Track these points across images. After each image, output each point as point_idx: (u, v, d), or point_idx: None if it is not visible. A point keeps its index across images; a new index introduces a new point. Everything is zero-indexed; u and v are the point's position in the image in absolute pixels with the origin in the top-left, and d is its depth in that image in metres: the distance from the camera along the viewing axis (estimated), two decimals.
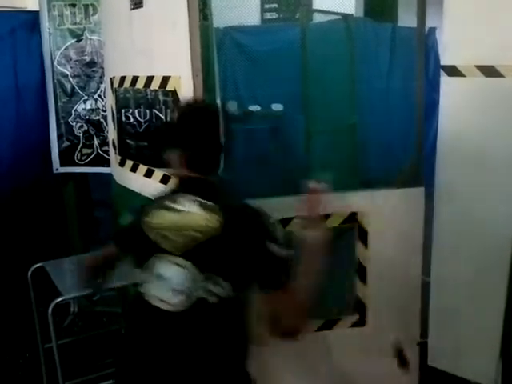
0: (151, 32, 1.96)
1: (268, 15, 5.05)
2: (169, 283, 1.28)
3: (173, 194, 1.35)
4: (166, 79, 1.86)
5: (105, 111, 2.74)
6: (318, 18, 4.70)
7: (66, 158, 2.92)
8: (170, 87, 1.84)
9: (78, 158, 2.90)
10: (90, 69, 2.74)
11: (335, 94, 3.79)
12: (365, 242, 1.97)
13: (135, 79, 2.09)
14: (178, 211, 1.31)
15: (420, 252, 2.01)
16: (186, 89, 1.74)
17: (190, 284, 1.28)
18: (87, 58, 2.73)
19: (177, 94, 1.79)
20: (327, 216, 1.91)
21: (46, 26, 2.82)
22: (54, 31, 2.77)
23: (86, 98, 2.77)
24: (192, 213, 1.29)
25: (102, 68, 2.72)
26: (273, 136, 4.29)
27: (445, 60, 1.88)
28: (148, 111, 2.09)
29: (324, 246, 1.37)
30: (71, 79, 2.76)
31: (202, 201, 1.31)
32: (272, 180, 3.80)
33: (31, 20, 3.07)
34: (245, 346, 1.36)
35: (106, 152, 2.81)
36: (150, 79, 1.98)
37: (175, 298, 1.28)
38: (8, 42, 3.05)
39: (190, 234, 1.28)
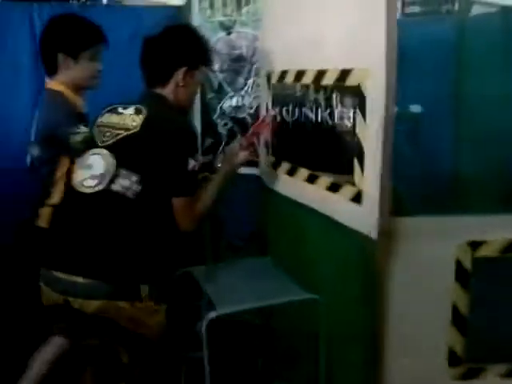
0: (327, 18, 1.72)
1: (409, 9, 4.62)
2: (90, 169, 1.55)
3: (129, 103, 1.62)
4: (345, 73, 1.61)
5: (251, 108, 2.58)
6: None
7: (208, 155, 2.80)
8: (351, 82, 1.59)
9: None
10: (238, 63, 2.59)
11: (494, 96, 3.31)
12: None
13: (301, 73, 1.88)
14: (118, 113, 1.59)
15: None
16: (375, 83, 1.48)
17: (104, 170, 1.52)
18: (236, 52, 2.58)
19: (361, 90, 1.54)
20: (481, 243, 1.54)
21: (194, 19, 2.72)
22: (203, 24, 2.66)
23: (232, 94, 2.63)
24: (126, 114, 1.57)
25: (251, 63, 2.56)
26: (411, 139, 3.90)
27: None
28: (320, 109, 1.82)
29: (235, 167, 1.81)
30: (218, 74, 2.63)
31: (138, 106, 1.58)
32: (410, 193, 3.41)
33: (174, 15, 3.02)
34: (154, 242, 1.56)
35: None
36: (321, 73, 1.75)
37: (92, 181, 1.52)
38: None
39: (116, 131, 1.55)
